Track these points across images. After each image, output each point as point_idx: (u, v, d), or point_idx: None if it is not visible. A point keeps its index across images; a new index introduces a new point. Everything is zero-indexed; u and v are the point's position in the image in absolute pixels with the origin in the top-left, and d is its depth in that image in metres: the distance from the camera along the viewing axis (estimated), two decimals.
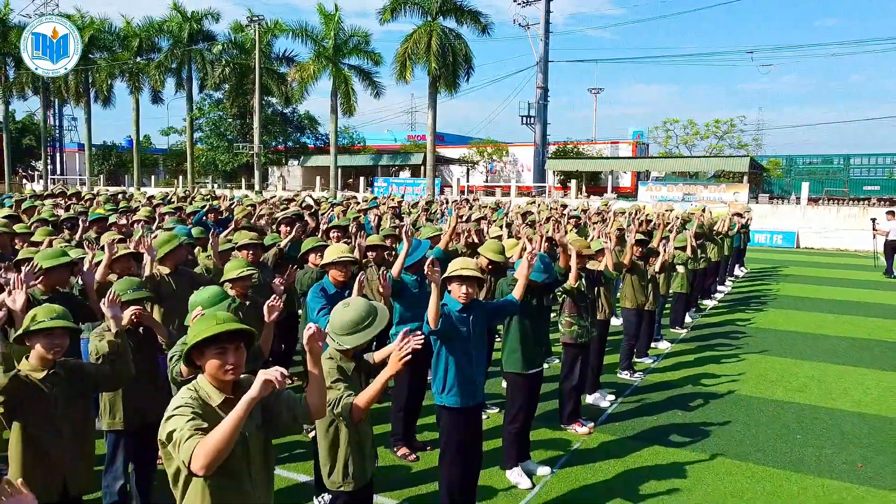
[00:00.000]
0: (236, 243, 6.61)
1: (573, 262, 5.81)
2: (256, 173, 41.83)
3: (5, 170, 51.22)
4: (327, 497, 4.83)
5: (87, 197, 15.93)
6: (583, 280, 6.33)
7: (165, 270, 5.54)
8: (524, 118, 40.96)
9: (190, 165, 45.46)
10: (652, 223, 11.52)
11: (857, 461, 5.99)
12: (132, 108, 46.86)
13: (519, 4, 40.34)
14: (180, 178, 49.14)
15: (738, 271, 18.35)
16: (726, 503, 5.16)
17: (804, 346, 10.19)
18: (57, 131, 59.07)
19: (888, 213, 19.35)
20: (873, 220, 19.56)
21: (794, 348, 10.06)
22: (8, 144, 50.99)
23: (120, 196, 18.39)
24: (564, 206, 16.95)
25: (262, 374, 2.39)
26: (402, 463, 5.71)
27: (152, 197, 18.05)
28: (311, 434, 5.91)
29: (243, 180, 46.05)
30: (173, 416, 2.50)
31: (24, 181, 57.33)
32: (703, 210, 16.90)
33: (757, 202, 30.50)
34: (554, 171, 39.57)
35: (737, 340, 10.48)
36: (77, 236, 7.99)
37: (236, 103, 45.42)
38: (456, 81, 35.31)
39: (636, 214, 12.60)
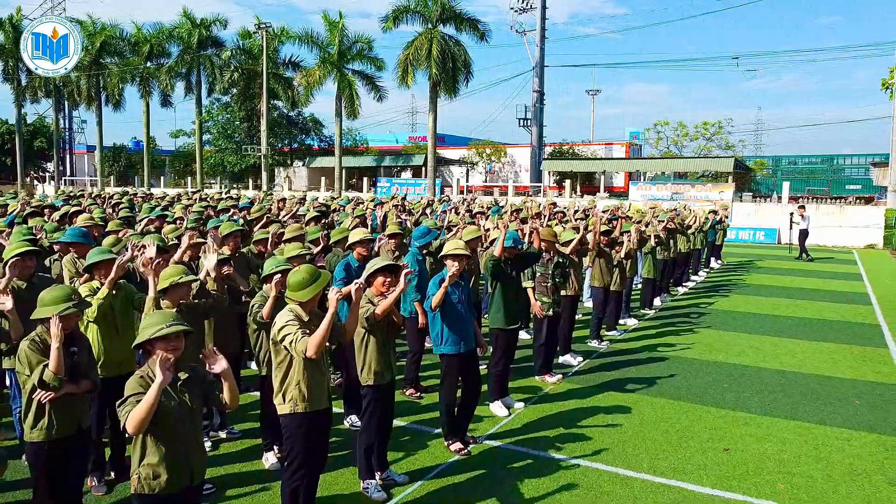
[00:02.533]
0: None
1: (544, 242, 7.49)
2: (264, 174, 43.42)
3: (18, 171, 52.96)
4: (353, 417, 6.49)
5: (121, 199, 17.57)
6: (552, 263, 8.01)
7: (227, 252, 7.17)
8: (521, 121, 42.63)
9: (199, 167, 47.13)
10: (622, 219, 13.16)
11: (767, 401, 7.63)
12: (142, 112, 48.61)
13: (516, 11, 42.02)
14: (189, 178, 50.83)
15: (714, 264, 19.94)
16: (656, 423, 6.80)
17: (753, 324, 11.83)
18: (67, 133, 60.68)
19: (800, 207, 23.27)
20: (791, 213, 23.25)
21: (744, 325, 11.69)
22: (21, 147, 52.69)
23: (137, 197, 20.05)
24: (554, 205, 18.70)
25: (332, 294, 4.04)
26: (410, 400, 7.37)
27: (175, 198, 19.70)
28: (338, 381, 7.58)
29: (250, 181, 47.71)
30: (286, 325, 4.15)
31: (36, 182, 59.09)
32: (685, 208, 18.68)
33: (741, 201, 32.12)
34: (550, 172, 41.21)
35: (696, 319, 12.13)
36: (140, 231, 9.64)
37: (244, 107, 47.05)
38: (456, 86, 36.94)
39: (609, 211, 14.29)
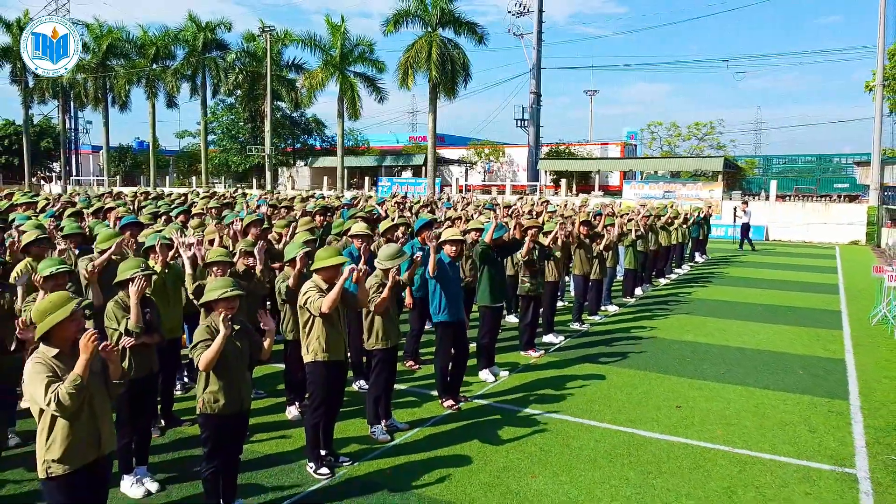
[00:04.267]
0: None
1: (528, 236, 8.61)
2: (267, 174, 44.55)
3: (25, 171, 54.11)
4: (361, 382, 7.58)
5: (135, 197, 18.73)
6: (535, 251, 9.10)
7: (251, 240, 8.27)
8: (518, 121, 43.70)
9: (204, 167, 48.24)
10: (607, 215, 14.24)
11: (722, 371, 8.72)
12: (148, 113, 49.72)
13: (513, 15, 43.10)
14: (193, 178, 51.96)
15: (699, 258, 21.01)
16: (621, 387, 7.89)
17: (725, 310, 12.91)
18: (72, 134, 61.77)
19: (743, 203, 25.79)
20: (735, 209, 26.14)
21: (716, 311, 12.78)
22: (28, 147, 53.85)
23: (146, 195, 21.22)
24: (547, 202, 19.85)
25: (346, 268, 5.13)
26: (409, 370, 8.46)
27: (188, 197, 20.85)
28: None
29: (254, 180, 48.82)
30: (307, 292, 5.24)
31: (43, 182, 60.22)
32: (671, 206, 19.86)
33: (731, 199, 33.18)
34: (546, 171, 42.27)
35: (672, 306, 13.22)
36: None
37: (248, 108, 48.19)
38: (455, 88, 38.04)
39: (592, 208, 15.37)
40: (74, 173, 60.13)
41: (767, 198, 32.26)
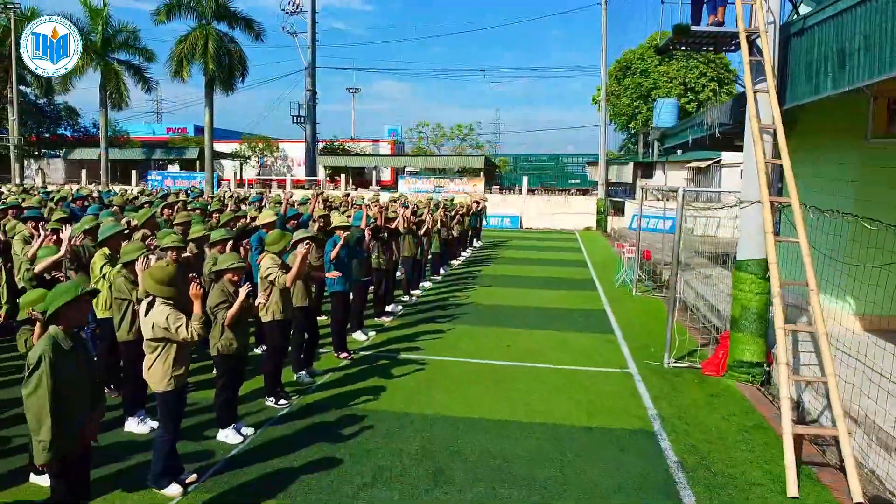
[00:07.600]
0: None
1: (380, 221, 10.73)
2: (14, 166, 40.32)
3: None
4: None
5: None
6: (384, 233, 11.23)
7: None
8: (295, 117, 44.76)
9: None
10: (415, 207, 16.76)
11: (531, 322, 11.64)
12: None
13: (287, 13, 44.00)
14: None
15: (476, 243, 24.55)
16: (466, 335, 10.38)
17: (515, 282, 16.16)
18: None
19: (484, 199, 29.65)
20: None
21: (509, 283, 15.97)
22: None
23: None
24: (395, 200, 21.95)
25: (301, 248, 6.86)
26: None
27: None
28: None
29: None
30: (270, 268, 6.83)
31: None
32: (451, 200, 22.97)
33: (491, 192, 37.97)
34: (324, 166, 44.01)
35: (473, 281, 16.17)
36: None
37: None
38: (232, 82, 38.00)
39: (403, 201, 17.91)
40: None
41: (520, 192, 37.46)
